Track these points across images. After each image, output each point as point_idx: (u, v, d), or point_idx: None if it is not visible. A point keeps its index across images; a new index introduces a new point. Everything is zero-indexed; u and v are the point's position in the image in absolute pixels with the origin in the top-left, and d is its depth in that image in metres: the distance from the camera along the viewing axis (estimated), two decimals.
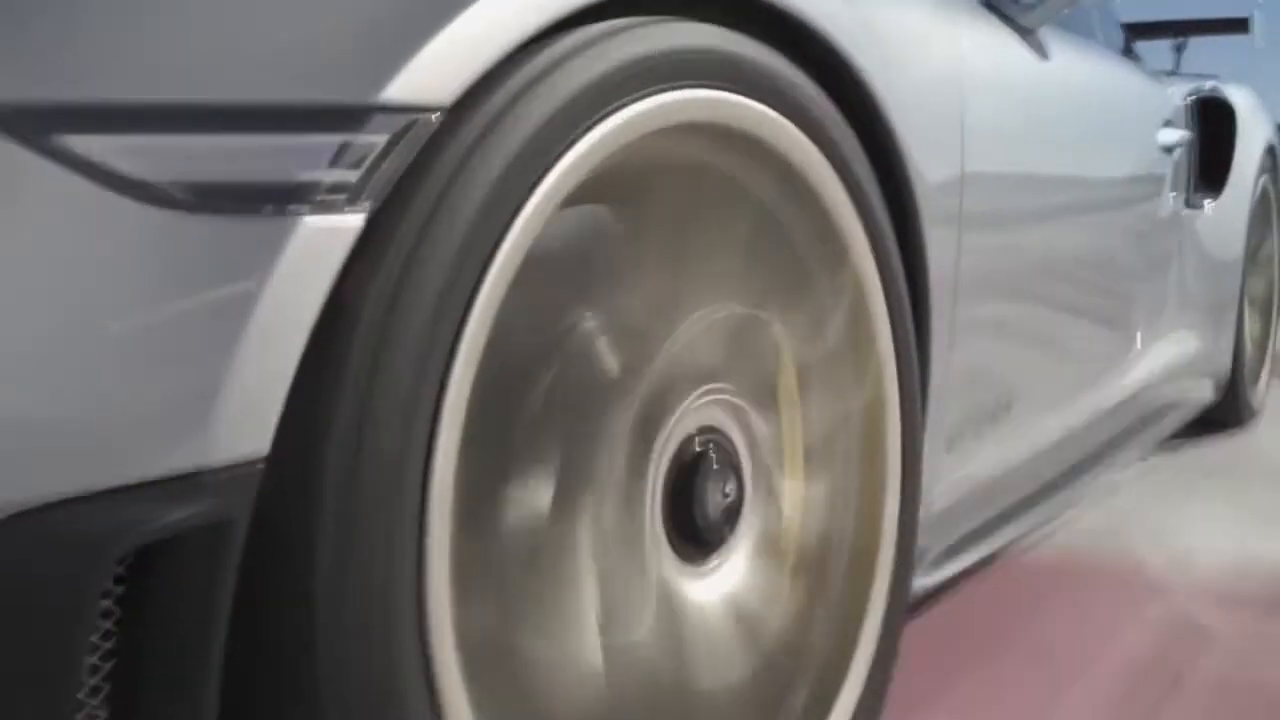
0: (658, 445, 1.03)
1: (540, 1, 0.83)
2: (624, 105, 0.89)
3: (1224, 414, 3.16)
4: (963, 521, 1.61)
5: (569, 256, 0.94)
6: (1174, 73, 3.41)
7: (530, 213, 0.82)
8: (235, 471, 0.68)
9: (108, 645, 0.67)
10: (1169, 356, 2.67)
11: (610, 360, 1.00)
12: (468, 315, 0.78)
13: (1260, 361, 3.48)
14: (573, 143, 0.85)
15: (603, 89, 0.87)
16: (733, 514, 1.10)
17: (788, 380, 1.17)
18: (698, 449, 1.06)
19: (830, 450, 1.21)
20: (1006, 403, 1.71)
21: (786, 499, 1.18)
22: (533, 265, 0.84)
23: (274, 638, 0.73)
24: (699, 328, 1.06)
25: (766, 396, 1.15)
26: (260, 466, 0.70)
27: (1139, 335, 2.46)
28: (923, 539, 1.35)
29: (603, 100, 0.88)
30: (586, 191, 0.89)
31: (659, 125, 0.94)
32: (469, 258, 0.79)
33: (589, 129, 0.86)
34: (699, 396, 1.07)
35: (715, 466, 1.06)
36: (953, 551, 1.57)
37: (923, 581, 1.45)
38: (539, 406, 0.94)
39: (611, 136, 0.88)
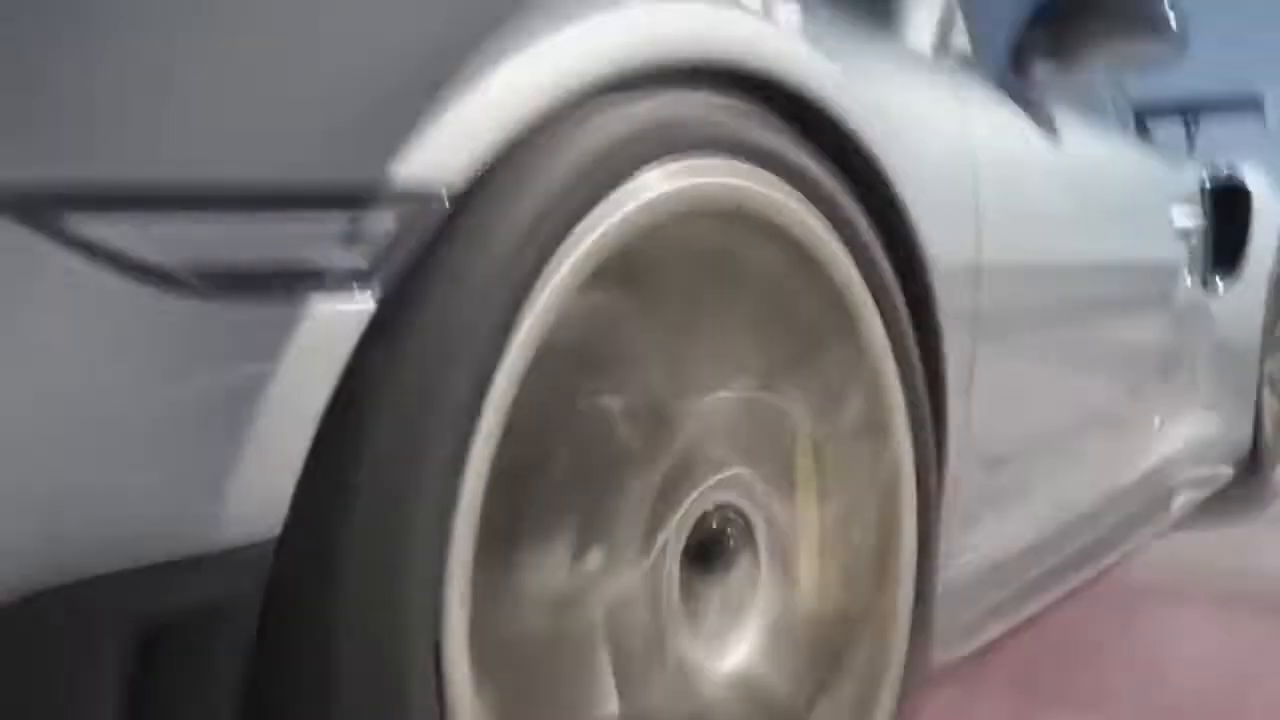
0: (675, 521, 1.02)
1: (541, 83, 0.83)
2: (637, 183, 0.90)
3: (1245, 494, 3.13)
4: (979, 598, 1.58)
5: (585, 340, 0.94)
6: (1188, 153, 3.42)
7: (548, 294, 0.82)
8: (245, 554, 0.68)
9: None
10: (1187, 437, 2.65)
11: (627, 440, 0.99)
12: (488, 392, 0.78)
13: None
14: (588, 223, 0.85)
15: (617, 163, 0.88)
16: (748, 589, 1.10)
17: (805, 461, 1.17)
18: (715, 525, 1.06)
19: (847, 528, 1.20)
20: (1024, 484, 1.69)
21: (803, 575, 1.17)
22: (549, 347, 0.84)
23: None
24: (718, 407, 1.06)
25: (784, 477, 1.15)
26: (271, 549, 0.69)
27: (1157, 417, 2.44)
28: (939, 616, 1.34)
29: (618, 174, 0.88)
30: (602, 275, 0.89)
31: (672, 207, 0.93)
32: (491, 337, 0.79)
33: (603, 206, 0.87)
34: (717, 477, 1.06)
35: (732, 543, 1.07)
36: (970, 629, 1.54)
37: (940, 657, 1.42)
38: (554, 488, 0.94)
39: (626, 217, 0.88)
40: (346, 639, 0.72)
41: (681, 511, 1.03)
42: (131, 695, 0.66)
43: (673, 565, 1.02)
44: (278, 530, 0.70)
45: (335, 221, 0.71)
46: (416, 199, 0.74)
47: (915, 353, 1.23)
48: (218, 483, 0.67)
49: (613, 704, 0.97)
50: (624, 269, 0.93)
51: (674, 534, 1.02)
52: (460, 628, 0.78)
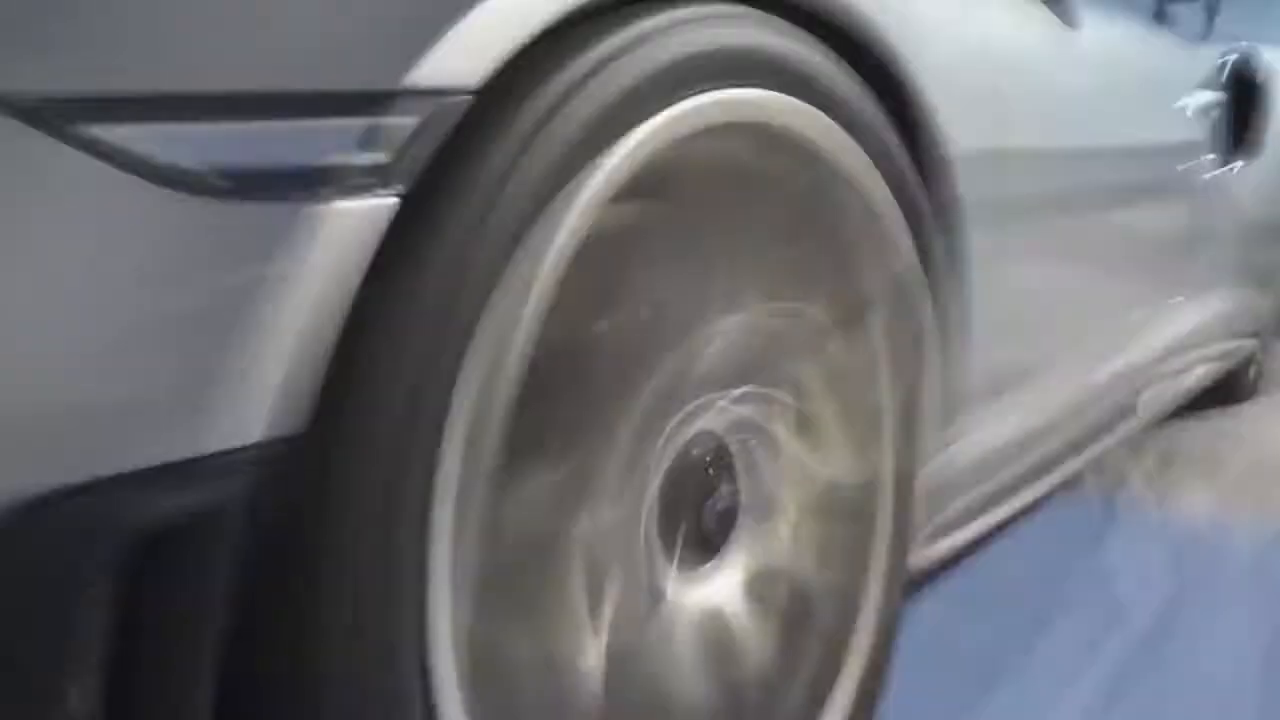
0: (661, 445, 1.04)
1: None
2: (672, 104, 0.90)
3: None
4: (985, 476, 1.63)
5: (610, 252, 0.94)
6: (1207, 37, 3.39)
7: (579, 207, 0.83)
8: (231, 460, 0.68)
9: (104, 634, 0.67)
10: (1211, 314, 2.68)
11: (627, 358, 1.00)
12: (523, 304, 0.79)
13: None
14: (622, 138, 0.86)
15: (653, 86, 0.88)
16: (729, 518, 1.11)
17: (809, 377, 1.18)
18: (700, 452, 1.07)
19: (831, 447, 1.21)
20: (1046, 364, 1.74)
21: (784, 502, 1.18)
22: (576, 258, 0.84)
23: (276, 636, 0.73)
24: (729, 331, 1.07)
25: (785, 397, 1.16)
26: (258, 454, 0.70)
27: (1180, 295, 2.47)
28: (943, 496, 1.37)
29: (653, 97, 0.89)
30: (632, 188, 0.89)
31: (705, 124, 0.94)
32: (520, 245, 0.80)
33: (637, 126, 0.87)
34: (726, 399, 1.08)
35: (714, 470, 1.08)
36: (970, 510, 1.58)
37: (943, 544, 1.48)
38: (553, 399, 0.94)
39: (659, 134, 0.89)
40: (335, 556, 0.73)
41: (668, 432, 1.04)
42: (125, 602, 0.67)
43: (654, 490, 1.03)
44: (258, 437, 0.69)
45: (356, 121, 0.71)
46: (439, 98, 0.75)
47: (939, 247, 1.23)
48: (238, 381, 0.67)
49: (592, 635, 0.97)
50: (648, 183, 0.93)
51: (659, 458, 1.03)
52: (445, 544, 0.78)
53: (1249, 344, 3.00)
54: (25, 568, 0.63)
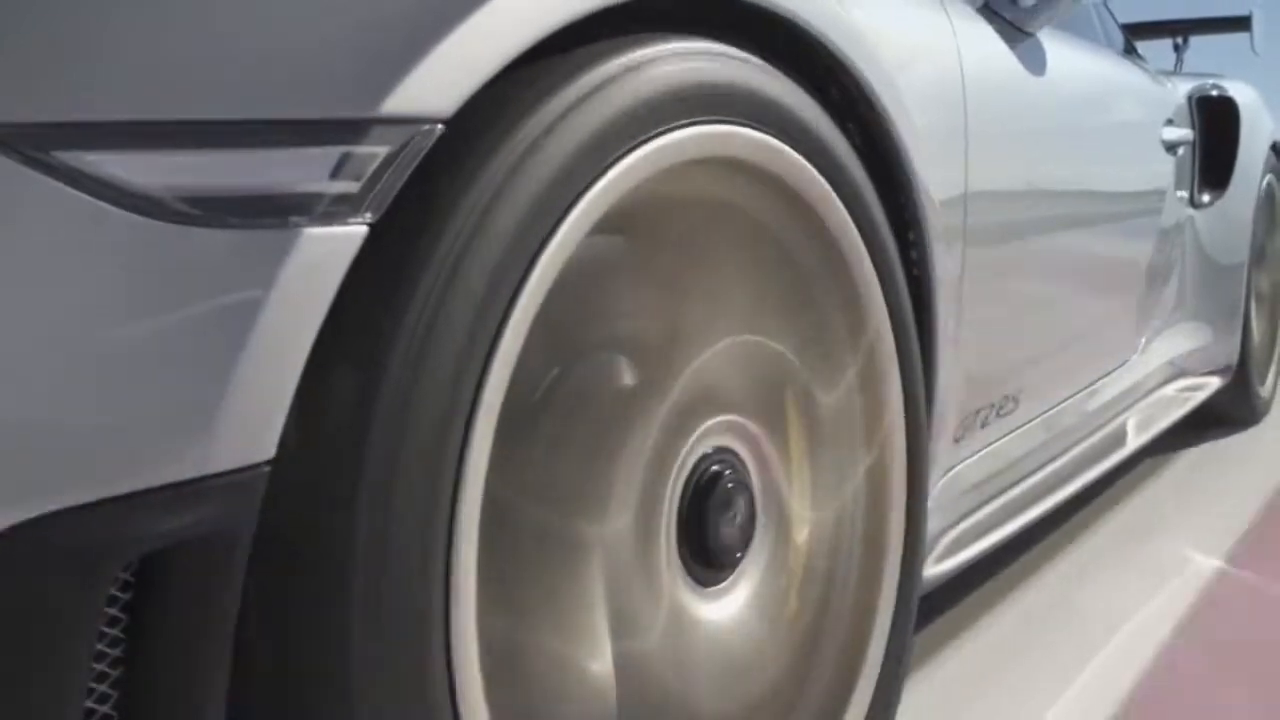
0: (675, 465, 1.05)
1: (534, 14, 0.83)
2: (650, 139, 0.91)
3: (1233, 410, 3.17)
4: (968, 513, 1.64)
5: (595, 281, 0.95)
6: (1175, 72, 3.43)
7: (561, 237, 0.84)
8: (238, 478, 0.69)
9: (115, 653, 0.67)
10: (1174, 353, 2.69)
11: (629, 382, 1.02)
12: (503, 329, 0.80)
13: (1268, 357, 3.48)
14: (604, 172, 0.87)
15: (633, 122, 0.89)
16: (745, 534, 1.12)
17: (796, 403, 1.19)
18: (713, 469, 1.09)
19: (838, 469, 1.22)
20: (1014, 398, 1.74)
21: (795, 521, 1.19)
22: (554, 292, 0.85)
23: (307, 642, 0.74)
24: (718, 356, 1.09)
25: (778, 421, 1.17)
26: (265, 471, 0.70)
27: (1144, 333, 2.48)
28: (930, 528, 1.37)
29: (631, 133, 0.89)
30: (613, 220, 0.90)
31: (681, 159, 0.95)
32: (507, 273, 0.80)
33: (618, 160, 0.88)
34: (716, 422, 1.09)
35: (729, 485, 1.09)
36: (959, 543, 1.59)
37: (930, 572, 1.47)
38: (558, 425, 0.96)
39: (638, 168, 0.90)
40: (365, 567, 0.73)
41: (681, 454, 1.06)
42: (124, 624, 0.67)
43: (671, 507, 1.05)
44: (269, 455, 0.70)
45: (325, 149, 0.71)
46: (409, 127, 0.75)
47: (905, 290, 1.24)
48: (206, 408, 0.67)
49: (609, 648, 0.99)
50: (621, 218, 0.93)
51: (673, 476, 1.05)
52: (471, 555, 0.79)
53: (1213, 382, 3.00)
54: (27, 585, 0.63)
